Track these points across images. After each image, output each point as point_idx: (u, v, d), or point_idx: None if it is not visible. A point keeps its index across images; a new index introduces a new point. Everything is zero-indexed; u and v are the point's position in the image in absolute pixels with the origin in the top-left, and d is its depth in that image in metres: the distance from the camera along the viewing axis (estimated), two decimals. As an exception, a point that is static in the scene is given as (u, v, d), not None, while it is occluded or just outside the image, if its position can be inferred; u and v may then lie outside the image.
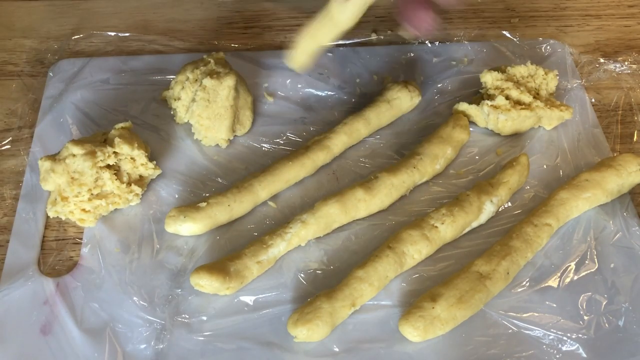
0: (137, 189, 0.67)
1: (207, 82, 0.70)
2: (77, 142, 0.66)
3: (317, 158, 0.71)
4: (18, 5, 0.90)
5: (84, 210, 0.65)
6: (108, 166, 0.66)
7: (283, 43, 0.86)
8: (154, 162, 0.69)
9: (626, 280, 0.63)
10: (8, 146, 0.74)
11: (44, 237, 0.66)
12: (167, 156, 0.73)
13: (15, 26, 0.88)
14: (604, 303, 0.62)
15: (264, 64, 0.82)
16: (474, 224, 0.67)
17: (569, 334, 0.60)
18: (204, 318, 0.61)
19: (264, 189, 0.68)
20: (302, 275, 0.64)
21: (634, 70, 0.82)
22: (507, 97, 0.73)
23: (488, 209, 0.67)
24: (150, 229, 0.67)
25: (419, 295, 0.61)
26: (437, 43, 0.85)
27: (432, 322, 0.58)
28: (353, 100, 0.79)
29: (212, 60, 0.74)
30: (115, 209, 0.68)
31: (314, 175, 0.72)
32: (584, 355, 0.59)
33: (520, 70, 0.75)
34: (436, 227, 0.64)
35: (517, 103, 0.73)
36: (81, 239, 0.66)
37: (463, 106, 0.75)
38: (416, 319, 0.58)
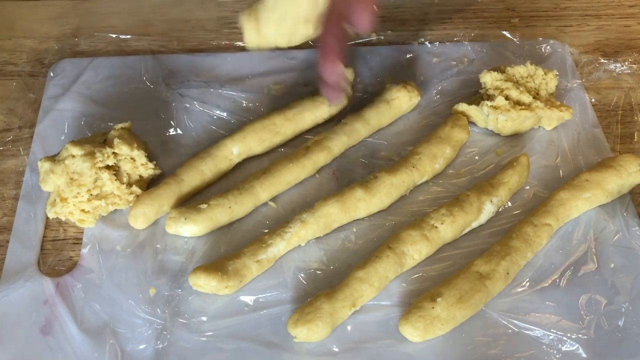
0: (137, 190, 0.67)
1: None
2: (77, 142, 0.66)
3: (318, 159, 0.71)
4: (18, 5, 0.90)
5: (83, 210, 0.65)
6: (108, 167, 0.66)
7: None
8: (154, 162, 0.69)
9: (626, 280, 0.63)
10: (8, 146, 0.74)
11: (43, 237, 0.66)
12: (167, 156, 0.73)
13: (15, 26, 0.87)
14: (604, 303, 0.62)
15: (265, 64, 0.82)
16: (474, 224, 0.67)
17: (569, 334, 0.60)
18: (204, 318, 0.61)
19: (265, 191, 0.68)
20: (302, 275, 0.64)
21: (634, 70, 0.82)
22: (507, 98, 0.73)
23: (488, 209, 0.67)
24: (150, 230, 0.66)
25: (419, 295, 0.61)
26: (437, 43, 0.85)
27: (432, 322, 0.58)
28: (353, 100, 0.78)
29: None
30: (115, 209, 0.68)
31: (314, 176, 0.72)
32: (584, 355, 0.59)
33: (520, 71, 0.75)
34: (436, 227, 0.64)
35: (517, 103, 0.73)
36: (81, 239, 0.66)
37: (463, 106, 0.75)
38: (416, 319, 0.58)
